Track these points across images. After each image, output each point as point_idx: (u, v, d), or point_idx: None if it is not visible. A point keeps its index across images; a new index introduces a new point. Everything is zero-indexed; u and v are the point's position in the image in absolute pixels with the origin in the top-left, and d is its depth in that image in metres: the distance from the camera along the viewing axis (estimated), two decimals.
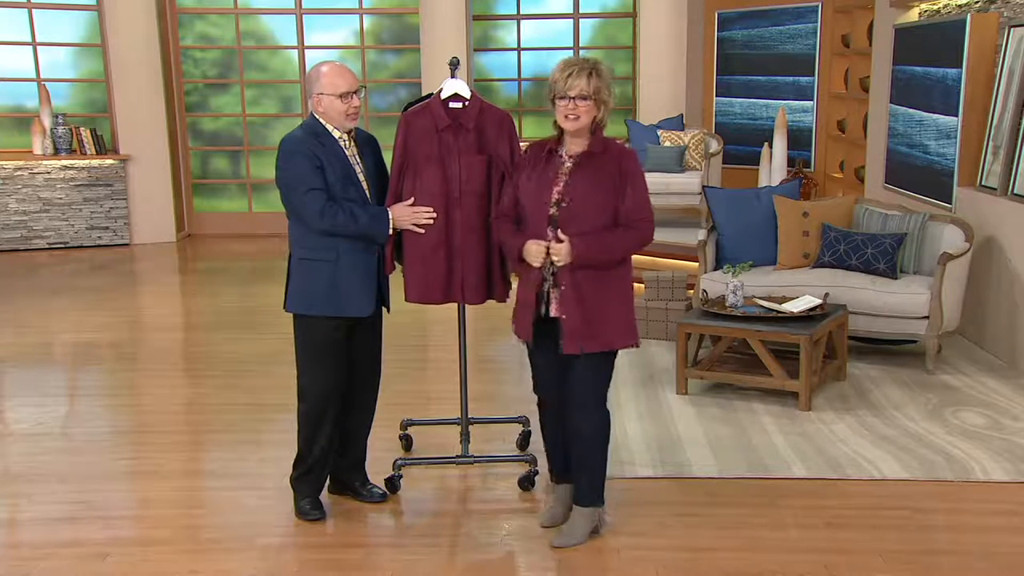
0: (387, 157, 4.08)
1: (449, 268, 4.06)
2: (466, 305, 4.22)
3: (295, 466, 4.08)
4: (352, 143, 3.93)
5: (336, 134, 3.87)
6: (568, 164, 3.61)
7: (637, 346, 3.74)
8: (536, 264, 3.58)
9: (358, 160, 3.93)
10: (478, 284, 4.07)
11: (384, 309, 4.08)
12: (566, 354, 3.62)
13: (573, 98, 3.51)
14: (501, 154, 4.02)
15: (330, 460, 4.11)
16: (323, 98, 3.82)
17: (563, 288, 3.58)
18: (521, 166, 3.74)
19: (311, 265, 3.87)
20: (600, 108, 3.56)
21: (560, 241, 3.52)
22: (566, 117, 3.55)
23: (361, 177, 3.91)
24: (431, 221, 3.98)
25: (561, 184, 3.59)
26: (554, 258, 3.53)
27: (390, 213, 3.90)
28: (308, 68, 3.92)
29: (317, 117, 3.88)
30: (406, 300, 4.13)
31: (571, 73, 3.51)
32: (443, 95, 4.04)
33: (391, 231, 3.90)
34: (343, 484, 4.22)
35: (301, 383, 4.00)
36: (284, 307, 3.95)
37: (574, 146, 3.62)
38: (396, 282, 4.04)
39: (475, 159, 4.00)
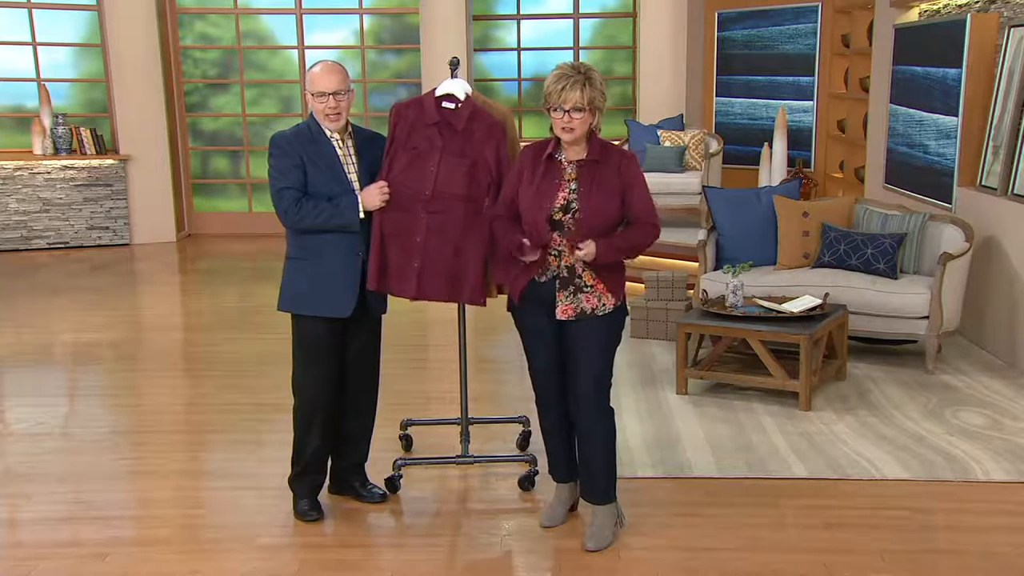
0: None
1: (404, 262, 3.97)
2: (422, 301, 4.14)
3: (292, 465, 4.08)
4: (349, 141, 3.92)
5: (328, 133, 3.87)
6: (570, 171, 3.62)
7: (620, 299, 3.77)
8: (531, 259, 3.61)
9: (352, 159, 3.92)
10: (438, 281, 4.00)
11: (382, 311, 4.08)
12: (579, 345, 3.63)
13: (568, 111, 3.52)
14: (486, 159, 3.97)
15: (326, 461, 4.11)
16: (308, 95, 3.87)
17: (586, 291, 3.61)
18: (520, 170, 3.72)
19: (298, 264, 3.90)
20: (595, 115, 3.57)
21: (578, 247, 3.55)
22: (563, 129, 3.56)
23: (353, 176, 3.89)
24: (387, 195, 3.91)
25: (566, 191, 3.60)
26: (580, 254, 3.54)
27: (359, 198, 3.86)
28: (308, 68, 3.92)
29: (313, 116, 3.90)
30: (367, 286, 4.05)
31: (564, 86, 3.50)
32: (437, 93, 4.04)
33: (362, 214, 3.85)
34: (343, 484, 4.22)
35: (294, 381, 4.02)
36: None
37: (572, 152, 3.63)
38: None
39: (456, 161, 3.96)
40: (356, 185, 3.90)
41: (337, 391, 4.02)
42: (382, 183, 3.91)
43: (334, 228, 3.84)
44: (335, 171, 3.86)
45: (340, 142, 3.90)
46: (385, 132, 4.13)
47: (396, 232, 3.98)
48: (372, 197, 3.88)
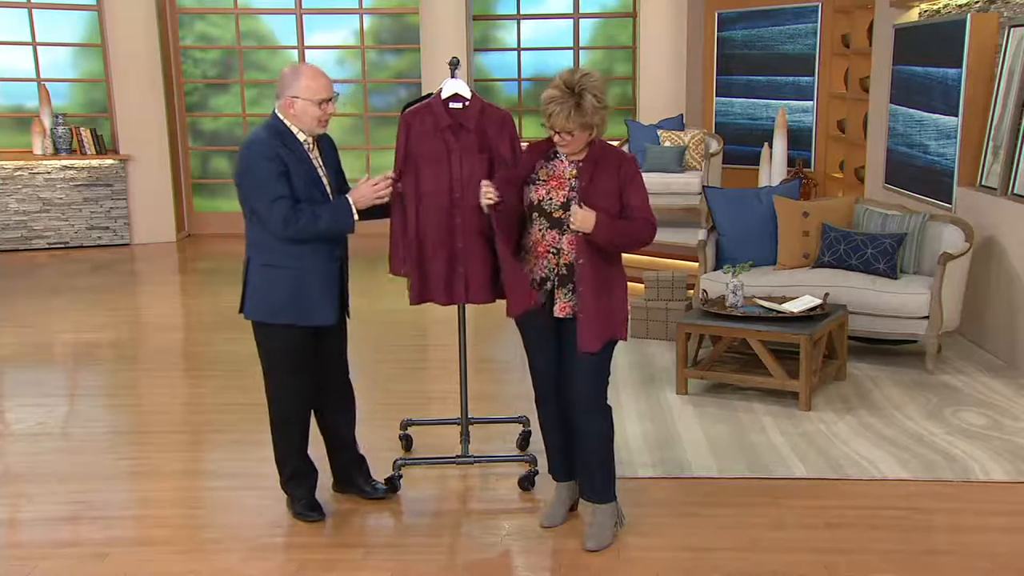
0: (387, 158, 4.07)
1: (450, 270, 4.05)
2: (467, 304, 4.21)
3: (279, 471, 4.07)
4: (315, 146, 3.86)
5: (301, 137, 3.78)
6: (571, 169, 3.63)
7: (626, 339, 3.76)
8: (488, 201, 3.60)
9: (321, 163, 3.87)
10: (484, 284, 4.05)
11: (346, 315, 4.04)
12: (582, 352, 3.62)
13: (558, 132, 3.53)
14: (503, 154, 4.01)
15: (310, 461, 4.09)
16: (297, 102, 3.73)
17: (581, 289, 3.59)
18: (523, 167, 3.73)
19: (274, 272, 3.77)
20: (591, 131, 3.54)
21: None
22: (559, 144, 3.58)
23: (325, 181, 3.85)
24: (390, 189, 3.88)
25: (566, 189, 3.61)
26: (574, 221, 3.51)
27: (350, 199, 3.80)
28: (291, 73, 3.77)
29: (281, 118, 3.78)
30: (410, 303, 4.13)
31: (553, 112, 3.49)
32: (443, 95, 4.04)
33: (356, 217, 3.80)
34: (346, 481, 4.22)
35: (268, 391, 3.96)
36: (241, 312, 3.88)
37: (574, 153, 3.63)
38: (367, 287, 4.01)
39: (476, 159, 3.98)
40: (328, 189, 3.84)
41: (313, 393, 4.01)
42: (374, 180, 3.86)
43: (330, 235, 3.79)
44: (312, 175, 3.79)
45: (310, 146, 3.82)
46: (384, 132, 4.12)
47: (438, 242, 4.01)
48: (364, 197, 3.82)
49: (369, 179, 3.89)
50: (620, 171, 3.61)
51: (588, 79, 3.51)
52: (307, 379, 3.94)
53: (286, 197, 3.68)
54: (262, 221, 3.73)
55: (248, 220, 3.80)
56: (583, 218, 3.49)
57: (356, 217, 3.80)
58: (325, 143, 3.94)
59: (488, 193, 3.63)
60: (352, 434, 4.21)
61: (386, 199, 3.90)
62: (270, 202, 3.67)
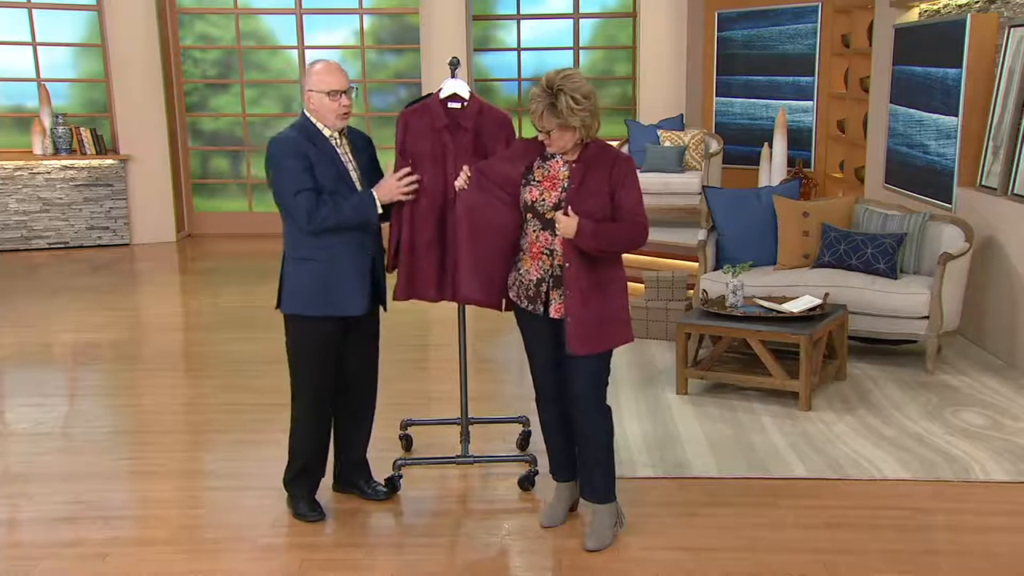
0: (386, 157, 4.07)
1: (441, 267, 4.04)
2: (465, 305, 4.21)
3: (288, 467, 4.08)
4: (345, 142, 3.91)
5: (327, 132, 3.84)
6: (564, 170, 3.62)
7: (632, 340, 3.76)
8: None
9: (351, 159, 3.90)
10: (479, 284, 4.04)
11: (382, 309, 4.08)
12: (571, 355, 3.62)
13: (540, 130, 3.53)
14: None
15: (324, 461, 4.10)
16: (313, 95, 3.80)
17: (568, 292, 3.58)
18: (513, 159, 3.71)
19: (305, 265, 3.84)
20: (574, 131, 3.51)
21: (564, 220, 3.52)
22: (544, 141, 3.58)
23: (354, 176, 3.88)
24: (416, 185, 3.93)
25: (559, 190, 3.60)
26: (558, 227, 3.50)
27: (375, 193, 3.85)
28: (308, 67, 3.88)
29: (308, 115, 3.85)
30: (394, 298, 4.13)
31: (532, 111, 3.51)
32: (442, 95, 4.04)
33: (380, 210, 3.84)
34: (347, 482, 4.23)
35: (294, 385, 3.99)
36: (277, 307, 3.94)
37: (568, 153, 3.62)
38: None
39: (471, 160, 3.97)
40: (357, 185, 3.88)
41: (336, 388, 4.04)
42: (401, 172, 3.90)
43: (353, 226, 3.82)
44: (339, 170, 3.84)
45: (337, 141, 3.88)
46: (384, 132, 4.13)
47: (431, 240, 4.00)
48: (389, 190, 3.86)
49: (395, 174, 3.92)
50: (613, 172, 3.58)
51: (568, 80, 3.48)
52: (332, 372, 3.97)
53: (310, 190, 3.74)
54: (289, 215, 3.81)
55: (283, 218, 3.88)
56: (566, 225, 3.48)
57: (380, 211, 3.85)
58: (359, 140, 4.00)
59: (462, 177, 3.70)
60: (364, 450, 4.23)
61: (412, 196, 3.94)
62: (293, 195, 3.75)
